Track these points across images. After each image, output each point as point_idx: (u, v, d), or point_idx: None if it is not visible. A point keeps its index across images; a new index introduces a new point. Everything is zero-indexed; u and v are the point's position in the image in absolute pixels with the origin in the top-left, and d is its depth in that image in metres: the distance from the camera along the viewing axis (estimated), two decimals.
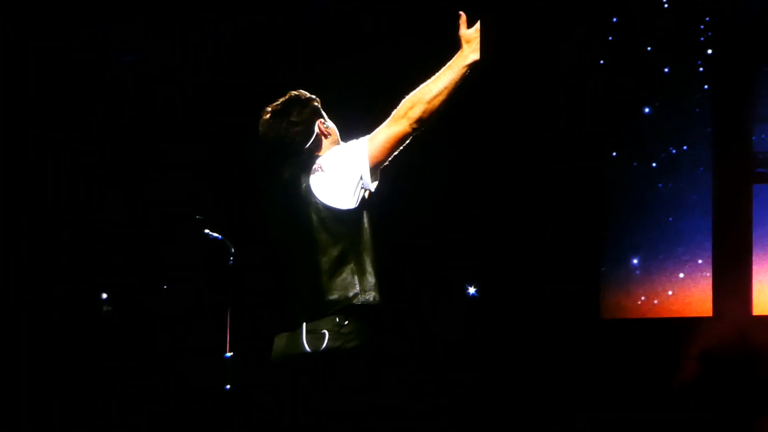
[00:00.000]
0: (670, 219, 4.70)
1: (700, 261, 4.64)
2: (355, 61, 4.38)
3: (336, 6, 4.35)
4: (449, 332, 4.54)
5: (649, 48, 4.69)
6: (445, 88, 1.79)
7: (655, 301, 4.70)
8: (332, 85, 3.65)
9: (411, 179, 3.85)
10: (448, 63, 1.83)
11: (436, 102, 1.79)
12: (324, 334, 1.75)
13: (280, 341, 1.86)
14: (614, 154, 4.80)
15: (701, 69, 4.68)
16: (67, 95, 4.20)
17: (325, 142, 1.96)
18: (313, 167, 1.87)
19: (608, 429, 4.34)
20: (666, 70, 4.73)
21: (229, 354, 3.14)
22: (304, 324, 1.78)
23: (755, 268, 4.52)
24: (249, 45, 4.34)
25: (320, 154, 1.92)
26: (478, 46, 1.82)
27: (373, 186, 1.85)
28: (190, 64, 4.31)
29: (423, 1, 4.31)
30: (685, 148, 4.71)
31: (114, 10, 4.07)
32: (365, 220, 1.86)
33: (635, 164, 4.77)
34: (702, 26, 4.66)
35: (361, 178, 1.82)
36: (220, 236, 3.13)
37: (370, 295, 1.80)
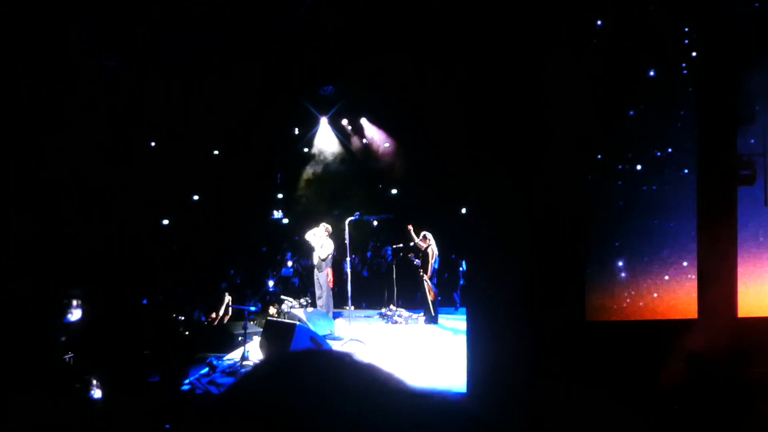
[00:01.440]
0: (655, 221, 4.71)
1: (685, 263, 4.66)
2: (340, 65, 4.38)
3: (319, 10, 4.36)
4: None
5: (633, 51, 4.71)
6: None
7: (641, 304, 4.71)
8: (318, 87, 3.66)
9: (399, 182, 3.85)
10: None
11: None
12: None
13: None
14: (599, 156, 4.81)
15: (686, 72, 4.70)
16: (48, 98, 4.19)
17: None
18: None
19: (594, 430, 4.33)
20: (651, 73, 4.74)
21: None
22: None
23: (740, 270, 4.55)
24: (232, 49, 4.35)
25: None
26: None
27: None
28: (171, 71, 4.32)
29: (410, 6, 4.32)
30: (669, 150, 4.73)
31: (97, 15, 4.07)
32: None
33: (620, 167, 4.77)
34: (687, 29, 4.68)
35: None
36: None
37: None
